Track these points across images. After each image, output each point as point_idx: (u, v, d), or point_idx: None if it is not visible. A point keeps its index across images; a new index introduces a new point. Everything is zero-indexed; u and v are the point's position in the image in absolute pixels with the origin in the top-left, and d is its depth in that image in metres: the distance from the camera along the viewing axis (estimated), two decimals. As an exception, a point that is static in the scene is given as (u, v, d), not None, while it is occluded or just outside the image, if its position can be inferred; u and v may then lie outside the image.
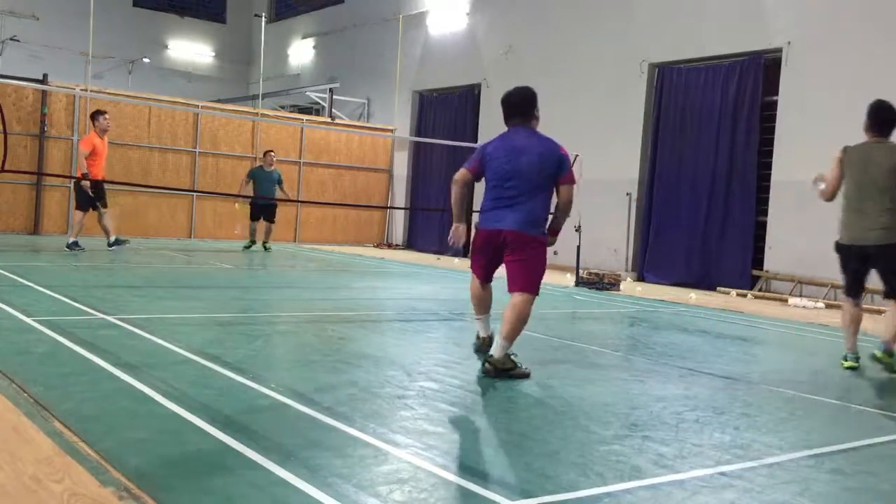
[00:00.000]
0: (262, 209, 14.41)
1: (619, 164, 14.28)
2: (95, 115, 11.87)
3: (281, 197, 14.61)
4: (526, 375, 4.91)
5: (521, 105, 5.36)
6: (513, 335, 4.97)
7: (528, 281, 5.09)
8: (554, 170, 5.16)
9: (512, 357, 4.92)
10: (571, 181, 5.22)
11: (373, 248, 18.18)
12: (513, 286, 5.12)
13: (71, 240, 11.93)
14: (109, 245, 12.25)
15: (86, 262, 10.59)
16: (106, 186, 12.27)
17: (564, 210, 5.33)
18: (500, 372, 4.88)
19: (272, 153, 14.53)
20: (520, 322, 5.01)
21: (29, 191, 15.07)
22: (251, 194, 14.32)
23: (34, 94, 14.90)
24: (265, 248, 14.32)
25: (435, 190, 17.64)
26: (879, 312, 10.46)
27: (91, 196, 11.78)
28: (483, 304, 5.53)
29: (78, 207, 12.22)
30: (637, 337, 7.34)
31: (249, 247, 14.49)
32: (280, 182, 14.38)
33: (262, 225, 14.47)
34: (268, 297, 8.60)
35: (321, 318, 7.04)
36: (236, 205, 15.26)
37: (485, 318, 5.56)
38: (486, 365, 4.93)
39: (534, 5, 16.00)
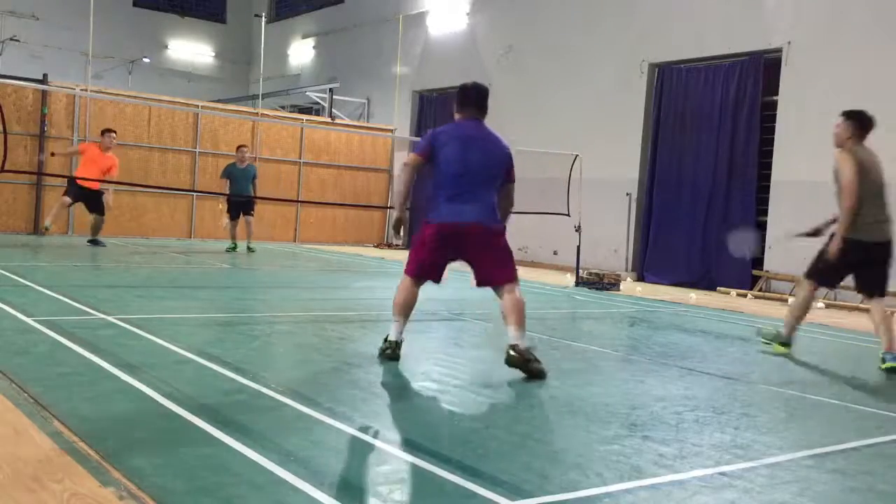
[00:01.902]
0: (241, 206, 13.68)
1: (619, 164, 14.28)
2: (106, 132, 12.73)
3: (255, 194, 13.81)
4: (544, 373, 4.86)
5: (479, 98, 5.33)
6: (525, 324, 4.93)
7: (512, 270, 5.10)
8: (505, 168, 5.22)
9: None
10: (514, 181, 5.31)
11: (373, 248, 18.18)
12: (499, 279, 5.07)
13: (47, 223, 12.74)
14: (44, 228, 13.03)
15: (86, 262, 10.60)
16: (102, 188, 12.61)
17: (508, 210, 5.35)
18: (528, 361, 4.81)
19: (245, 148, 13.81)
20: (524, 311, 4.98)
21: (29, 191, 15.07)
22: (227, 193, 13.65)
23: (34, 94, 14.90)
24: (249, 250, 13.61)
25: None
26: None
27: (75, 188, 12.53)
28: (411, 305, 5.24)
29: (64, 193, 12.99)
30: (637, 337, 7.34)
31: (233, 249, 13.90)
32: (254, 178, 13.60)
33: (242, 222, 13.77)
34: (268, 297, 8.59)
35: (321, 318, 7.04)
36: (220, 205, 14.82)
37: (403, 321, 5.22)
38: (513, 353, 4.82)
39: (534, 5, 16.01)
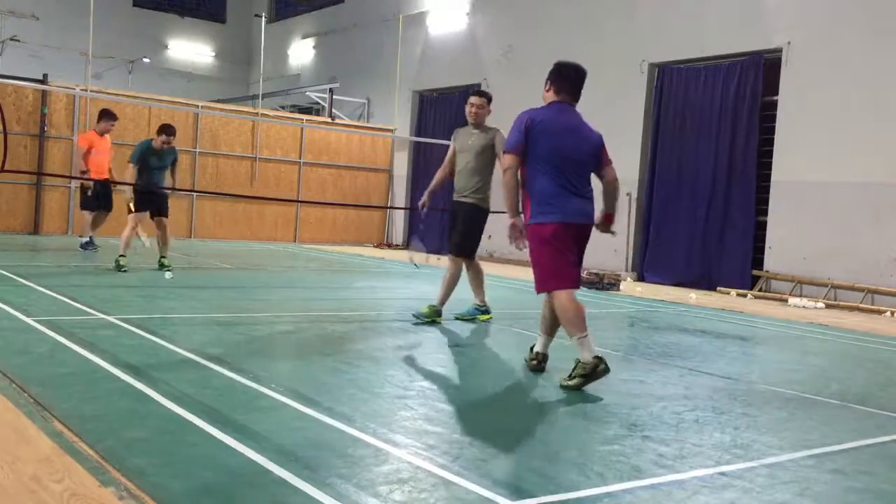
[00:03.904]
0: (156, 202, 10.02)
1: (619, 164, 13.99)
2: (102, 115, 11.89)
3: (176, 185, 10.57)
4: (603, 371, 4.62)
5: (579, 82, 4.90)
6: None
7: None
8: (600, 155, 4.91)
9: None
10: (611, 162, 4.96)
11: (373, 248, 18.18)
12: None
13: (84, 240, 11.92)
14: (82, 245, 11.91)
15: (86, 262, 10.59)
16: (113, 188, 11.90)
17: (616, 194, 5.03)
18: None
19: (172, 128, 10.04)
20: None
21: (29, 191, 15.07)
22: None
23: (34, 94, 14.91)
24: (163, 266, 9.84)
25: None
26: (879, 313, 10.47)
27: (93, 195, 11.76)
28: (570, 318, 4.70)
29: (82, 207, 12.22)
30: (637, 337, 7.34)
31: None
32: (174, 164, 10.15)
33: (154, 224, 10.16)
34: (268, 297, 8.59)
35: (321, 318, 7.04)
36: (129, 201, 10.67)
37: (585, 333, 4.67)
38: (604, 365, 4.58)
39: (534, 5, 16.00)
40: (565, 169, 4.74)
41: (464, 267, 7.06)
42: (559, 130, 4.77)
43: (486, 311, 7.25)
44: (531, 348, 5.20)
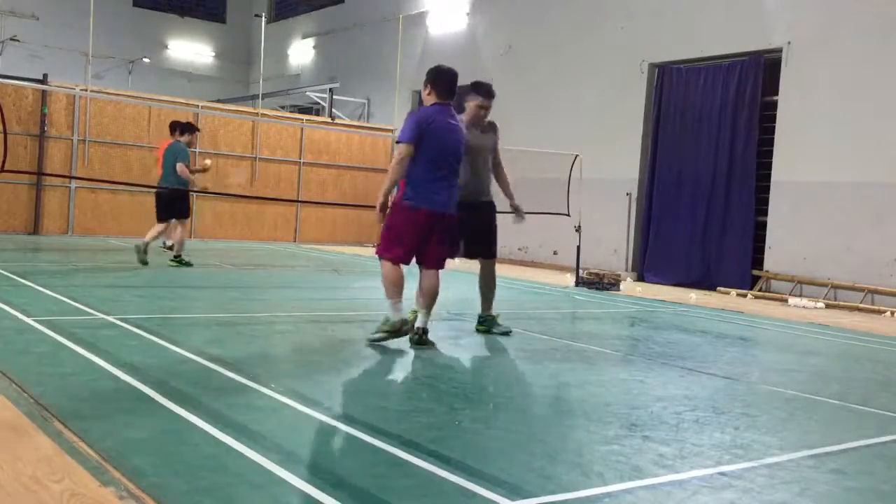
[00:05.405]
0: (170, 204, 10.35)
1: (619, 164, 14.28)
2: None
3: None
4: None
5: (454, 84, 5.67)
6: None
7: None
8: (463, 150, 5.72)
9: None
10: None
11: (373, 248, 18.16)
12: (441, 264, 5.74)
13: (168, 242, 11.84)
14: (165, 247, 11.99)
15: (86, 262, 10.59)
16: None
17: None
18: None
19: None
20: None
21: (29, 191, 15.06)
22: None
23: (34, 94, 14.90)
24: (181, 264, 10.27)
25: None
26: (879, 313, 10.47)
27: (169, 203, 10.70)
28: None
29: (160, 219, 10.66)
30: (637, 337, 7.34)
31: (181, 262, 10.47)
32: (176, 160, 10.37)
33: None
34: (268, 297, 8.59)
35: (321, 318, 7.04)
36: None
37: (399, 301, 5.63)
38: (409, 326, 5.60)
39: (534, 5, 16.00)
40: (441, 163, 5.53)
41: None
42: (443, 129, 5.54)
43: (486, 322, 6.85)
44: (386, 319, 5.63)
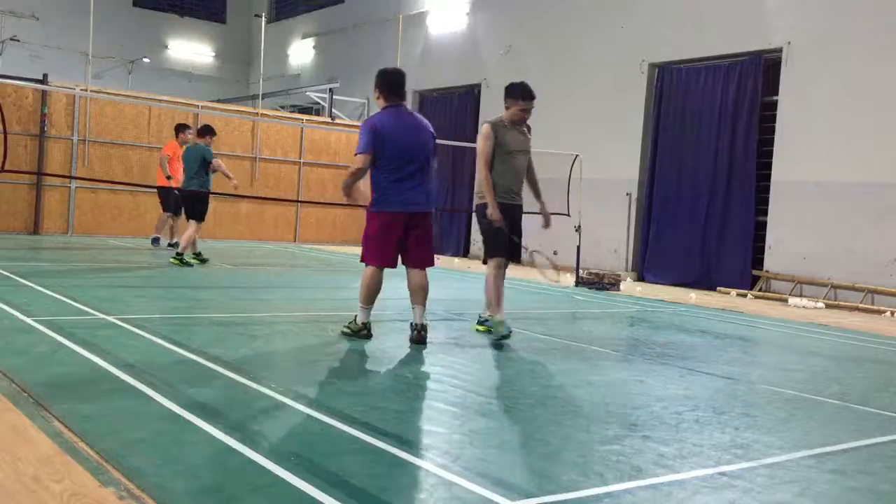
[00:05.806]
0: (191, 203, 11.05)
1: (619, 164, 14.28)
2: (182, 128, 12.49)
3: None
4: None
5: (401, 84, 5.71)
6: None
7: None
8: (433, 146, 5.75)
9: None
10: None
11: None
12: (426, 263, 5.81)
13: (169, 241, 13.04)
14: (170, 245, 12.90)
15: (86, 262, 10.59)
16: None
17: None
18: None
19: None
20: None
21: (29, 191, 15.06)
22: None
23: (34, 94, 14.90)
24: (201, 259, 11.24)
25: (434, 190, 17.63)
26: (879, 313, 10.47)
27: (175, 200, 12.34)
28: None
29: (164, 209, 13.18)
30: (637, 337, 7.34)
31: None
32: (204, 162, 10.72)
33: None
34: (268, 297, 8.59)
35: (321, 318, 7.04)
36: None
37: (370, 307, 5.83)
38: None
39: (534, 5, 16.01)
40: (404, 164, 5.58)
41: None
42: (400, 131, 5.59)
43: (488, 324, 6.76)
44: (354, 318, 5.88)
